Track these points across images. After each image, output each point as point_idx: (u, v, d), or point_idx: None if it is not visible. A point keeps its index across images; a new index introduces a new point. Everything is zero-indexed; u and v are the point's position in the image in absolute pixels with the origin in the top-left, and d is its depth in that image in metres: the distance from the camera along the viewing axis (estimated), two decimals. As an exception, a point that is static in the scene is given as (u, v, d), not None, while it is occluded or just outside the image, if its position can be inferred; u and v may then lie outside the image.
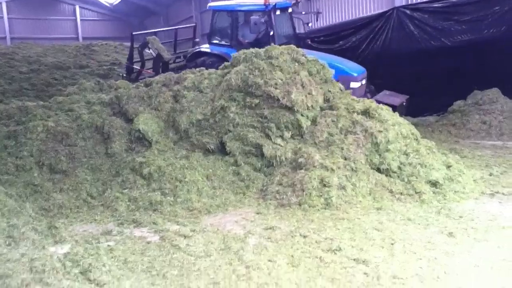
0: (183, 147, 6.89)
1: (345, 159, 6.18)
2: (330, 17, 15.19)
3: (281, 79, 7.11)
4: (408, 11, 11.60)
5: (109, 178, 6.33)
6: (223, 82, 7.50)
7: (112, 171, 6.45)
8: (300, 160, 6.19)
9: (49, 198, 5.77)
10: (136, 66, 12.41)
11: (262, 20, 9.61)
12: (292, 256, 4.29)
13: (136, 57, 12.35)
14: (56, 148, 6.61)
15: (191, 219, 5.28)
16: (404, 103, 9.35)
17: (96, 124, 7.20)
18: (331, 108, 7.17)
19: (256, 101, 7.00)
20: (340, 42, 12.50)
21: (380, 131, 6.45)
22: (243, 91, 7.13)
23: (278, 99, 6.88)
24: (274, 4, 9.82)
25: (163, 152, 6.73)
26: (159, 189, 5.90)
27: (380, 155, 6.29)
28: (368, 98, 9.25)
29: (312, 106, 7.04)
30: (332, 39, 12.13)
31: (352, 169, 6.05)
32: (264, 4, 9.71)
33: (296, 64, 7.56)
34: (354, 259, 4.18)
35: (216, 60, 9.84)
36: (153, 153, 6.64)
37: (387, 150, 6.32)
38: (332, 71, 8.00)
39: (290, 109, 6.85)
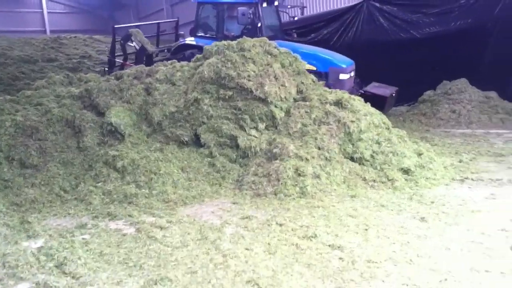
0: (157, 139, 6.82)
1: (319, 148, 6.26)
2: (315, 10, 15.19)
3: (254, 71, 7.13)
4: (377, 4, 11.77)
5: (82, 172, 6.21)
6: (195, 75, 7.46)
7: (85, 165, 6.34)
8: (275, 150, 6.23)
9: (20, 193, 5.62)
10: (119, 60, 12.15)
11: (250, 11, 9.50)
12: (268, 244, 4.33)
13: (118, 50, 12.07)
14: (26, 143, 6.43)
15: (167, 210, 5.25)
16: (393, 94, 9.49)
17: (66, 118, 7.03)
18: (304, 99, 7.24)
19: (230, 93, 7.00)
20: (312, 34, 12.59)
21: (352, 121, 6.55)
22: (216, 83, 7.11)
23: (251, 91, 6.89)
24: None
25: (137, 145, 6.65)
26: (133, 182, 5.83)
27: (353, 144, 6.40)
28: (356, 90, 9.43)
29: (285, 97, 7.09)
30: (304, 32, 12.19)
31: (326, 159, 6.14)
32: None
33: (269, 56, 7.58)
34: (330, 245, 4.25)
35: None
36: (126, 146, 6.55)
37: (360, 140, 6.43)
38: (304, 63, 8.04)
39: (264, 100, 6.88)
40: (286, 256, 4.10)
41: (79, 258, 4.01)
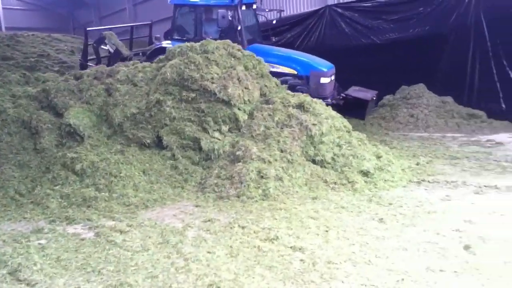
0: (118, 141, 6.70)
1: (282, 151, 6.31)
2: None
3: (217, 74, 7.13)
4: (339, 10, 12.03)
5: (38, 174, 6.02)
6: (158, 76, 7.39)
7: (42, 167, 6.14)
8: (238, 153, 6.25)
9: (-28, 197, 5.40)
10: (91, 64, 11.75)
11: (230, 14, 9.36)
12: (230, 246, 4.33)
13: (91, 53, 11.67)
14: (-21, 145, 6.19)
15: (127, 214, 5.16)
16: (374, 98, 9.58)
17: (22, 119, 6.81)
18: (267, 102, 7.29)
19: (193, 95, 6.96)
20: (276, 38, 12.69)
21: (314, 124, 6.64)
22: (179, 85, 7.06)
23: (214, 93, 6.89)
24: None
25: (96, 147, 6.50)
26: (93, 185, 5.70)
27: (315, 147, 6.49)
28: (337, 94, 9.46)
29: (248, 100, 7.12)
30: (267, 35, 12.27)
31: (289, 161, 6.20)
32: None
33: (232, 59, 7.61)
34: (291, 247, 4.29)
35: None
36: (85, 148, 6.39)
37: (321, 142, 6.53)
38: (267, 66, 8.09)
39: (227, 103, 6.89)
40: (248, 259, 4.11)
41: (35, 264, 3.88)
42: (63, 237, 4.56)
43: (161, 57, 8.14)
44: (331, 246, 4.34)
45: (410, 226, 4.73)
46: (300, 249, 4.26)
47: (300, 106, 7.00)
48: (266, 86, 7.65)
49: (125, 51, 11.14)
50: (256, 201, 5.48)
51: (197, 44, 7.63)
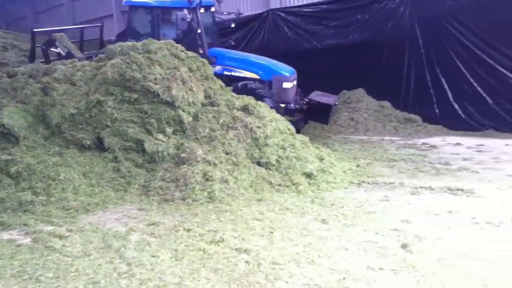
0: (56, 143, 6.40)
1: (227, 153, 6.32)
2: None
3: (161, 74, 7.01)
4: (282, 14, 12.23)
5: (-32, 178, 5.63)
6: (98, 75, 7.14)
7: (-27, 170, 5.76)
8: (182, 155, 6.19)
9: None
10: None
11: (189, 16, 9.04)
12: (175, 250, 4.27)
13: (39, 56, 10.94)
14: None
15: (67, 218, 4.95)
16: (336, 103, 9.61)
17: (-50, 118, 6.35)
18: (212, 104, 7.28)
19: (135, 95, 6.81)
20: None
21: (259, 127, 6.71)
22: (121, 85, 6.88)
23: (158, 94, 6.77)
24: (199, 1, 9.27)
25: (33, 148, 6.18)
26: (29, 189, 5.42)
27: (259, 149, 6.55)
28: (300, 99, 9.43)
29: (193, 102, 7.07)
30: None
31: (234, 163, 6.22)
32: (188, 1, 9.15)
33: (176, 59, 7.52)
34: (236, 249, 4.30)
35: None
36: (21, 150, 6.05)
37: (266, 145, 6.60)
38: (212, 68, 8.06)
39: (171, 104, 6.80)
40: (193, 262, 4.07)
41: (-35, 273, 3.64)
42: (-4, 244, 4.31)
43: (101, 56, 7.89)
44: (275, 247, 4.39)
45: (351, 226, 4.89)
46: (245, 251, 4.28)
47: (245, 109, 7.04)
48: (210, 88, 7.63)
49: (77, 54, 10.64)
50: (202, 203, 5.45)
51: (139, 44, 7.47)
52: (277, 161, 6.47)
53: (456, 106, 9.76)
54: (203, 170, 5.86)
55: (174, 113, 6.78)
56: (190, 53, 7.82)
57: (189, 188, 5.63)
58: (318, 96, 9.53)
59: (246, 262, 4.09)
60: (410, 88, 10.38)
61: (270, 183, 6.12)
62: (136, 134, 6.53)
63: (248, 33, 12.84)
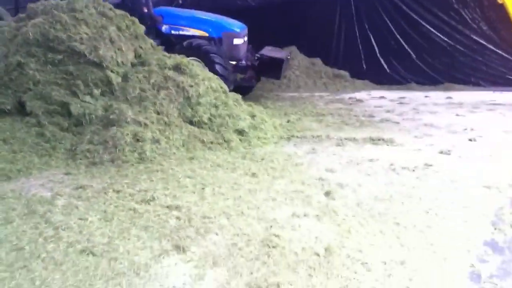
0: (-30, 109, 6.03)
1: (158, 113, 6.23)
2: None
3: (87, 34, 6.69)
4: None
5: None
6: (18, 36, 6.70)
7: None
8: (111, 116, 6.01)
9: None
10: None
11: None
12: (104, 211, 4.24)
13: None
14: None
15: (-14, 187, 4.74)
16: (288, 57, 9.44)
17: None
18: (142, 64, 7.07)
19: (60, 57, 6.47)
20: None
21: (191, 86, 6.64)
22: (43, 46, 6.49)
23: (84, 55, 6.47)
24: None
25: None
26: None
27: (192, 108, 6.51)
28: (251, 54, 9.22)
29: (122, 62, 6.84)
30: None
31: (166, 123, 6.16)
32: None
33: (104, 18, 7.18)
34: (167, 206, 4.34)
35: None
36: None
37: (199, 104, 6.58)
38: (142, 27, 7.80)
39: (99, 65, 6.53)
40: (123, 222, 4.07)
41: None
42: None
43: (21, 15, 7.39)
44: (206, 202, 4.48)
45: (279, 178, 5.07)
46: (176, 207, 4.32)
47: (177, 68, 6.92)
48: (141, 47, 7.39)
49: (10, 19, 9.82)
50: (132, 165, 5.38)
51: (63, 2, 7.05)
52: (210, 119, 6.48)
53: (382, 61, 10.16)
54: (133, 131, 5.75)
55: (102, 74, 6.53)
56: (119, 12, 7.49)
57: (119, 150, 5.52)
58: (269, 51, 9.43)
59: (177, 218, 4.15)
60: (340, 45, 10.64)
61: (203, 141, 6.14)
62: (61, 96, 6.23)
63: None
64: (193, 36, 8.80)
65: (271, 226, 4.01)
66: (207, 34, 8.88)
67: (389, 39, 10.17)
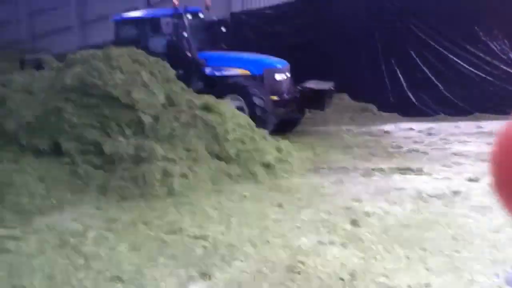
0: (10, 150, 6.34)
1: (187, 150, 6.40)
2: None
3: (121, 79, 7.02)
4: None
5: None
6: (56, 84, 7.12)
7: None
8: (142, 154, 6.20)
9: None
10: None
11: (173, 21, 9.08)
12: (133, 242, 4.33)
13: None
14: None
15: (21, 221, 4.91)
16: (332, 88, 9.44)
17: None
18: (173, 105, 7.34)
19: (95, 101, 6.80)
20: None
21: (219, 124, 6.82)
22: (80, 91, 6.85)
23: (118, 99, 6.78)
24: (184, 7, 9.32)
25: (-14, 157, 6.12)
26: (-20, 197, 5.36)
27: (219, 144, 6.65)
28: (294, 89, 9.33)
29: (153, 104, 7.12)
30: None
31: (194, 159, 6.30)
32: (173, 7, 9.21)
33: (137, 64, 7.54)
34: (194, 236, 4.40)
35: None
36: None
37: (226, 140, 6.72)
38: (173, 71, 8.12)
39: (131, 107, 6.81)
40: (151, 251, 4.15)
41: None
42: None
43: (60, 65, 7.87)
44: (232, 231, 4.52)
45: (305, 208, 5.06)
46: (203, 237, 4.38)
47: (206, 107, 7.15)
48: (172, 90, 7.69)
49: None
50: (161, 198, 5.51)
51: (99, 51, 7.48)
52: (236, 154, 6.59)
53: (409, 94, 10.16)
54: (163, 167, 5.92)
55: (134, 116, 6.80)
56: (152, 58, 7.86)
57: (148, 185, 5.68)
58: (311, 83, 9.47)
59: (203, 246, 4.19)
60: (366, 79, 10.74)
61: (229, 175, 6.24)
62: (95, 137, 6.52)
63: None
64: (235, 76, 9.01)
65: (296, 254, 3.98)
66: (249, 72, 9.05)
67: (416, 72, 10.21)
